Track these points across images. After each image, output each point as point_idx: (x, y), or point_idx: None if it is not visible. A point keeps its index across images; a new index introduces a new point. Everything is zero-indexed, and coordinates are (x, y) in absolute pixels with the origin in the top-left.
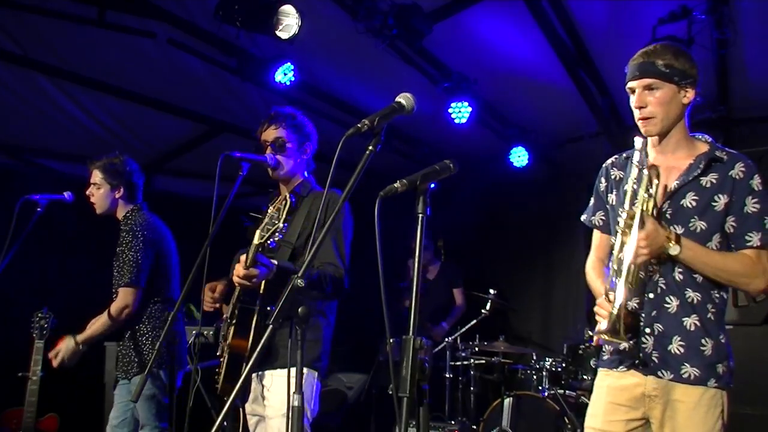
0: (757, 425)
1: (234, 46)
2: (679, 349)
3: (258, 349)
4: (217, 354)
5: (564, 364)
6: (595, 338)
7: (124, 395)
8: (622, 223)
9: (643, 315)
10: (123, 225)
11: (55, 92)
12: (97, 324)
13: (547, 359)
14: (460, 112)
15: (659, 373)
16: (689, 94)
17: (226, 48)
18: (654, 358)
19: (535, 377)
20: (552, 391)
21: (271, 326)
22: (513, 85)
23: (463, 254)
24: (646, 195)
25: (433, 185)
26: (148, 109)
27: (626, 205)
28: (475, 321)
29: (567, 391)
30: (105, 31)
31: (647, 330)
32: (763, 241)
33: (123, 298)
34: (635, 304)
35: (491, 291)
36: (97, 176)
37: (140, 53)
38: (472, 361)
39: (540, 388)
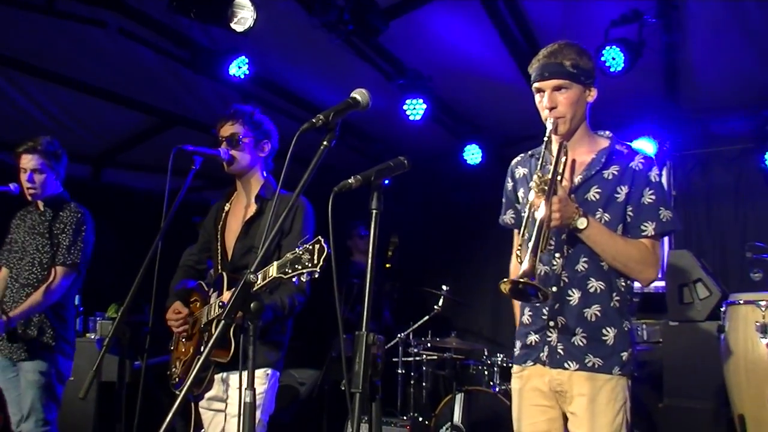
0: (701, 418)
1: (187, 38)
2: (582, 341)
3: (210, 343)
4: (170, 347)
5: None
6: (505, 286)
7: (19, 386)
8: (534, 187)
9: (546, 309)
10: (59, 208)
11: (1, 81)
12: (29, 303)
13: (498, 355)
14: (415, 108)
15: (565, 365)
16: (593, 93)
17: (179, 39)
18: (560, 351)
19: (486, 373)
20: (503, 387)
21: (223, 322)
22: (467, 83)
23: (416, 250)
24: (556, 170)
25: (386, 181)
26: (99, 100)
27: (538, 172)
28: (427, 317)
29: None
30: (54, 19)
31: (551, 323)
32: (657, 231)
33: (62, 276)
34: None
35: (443, 287)
36: (37, 161)
37: (91, 43)
38: (424, 356)
39: (491, 383)
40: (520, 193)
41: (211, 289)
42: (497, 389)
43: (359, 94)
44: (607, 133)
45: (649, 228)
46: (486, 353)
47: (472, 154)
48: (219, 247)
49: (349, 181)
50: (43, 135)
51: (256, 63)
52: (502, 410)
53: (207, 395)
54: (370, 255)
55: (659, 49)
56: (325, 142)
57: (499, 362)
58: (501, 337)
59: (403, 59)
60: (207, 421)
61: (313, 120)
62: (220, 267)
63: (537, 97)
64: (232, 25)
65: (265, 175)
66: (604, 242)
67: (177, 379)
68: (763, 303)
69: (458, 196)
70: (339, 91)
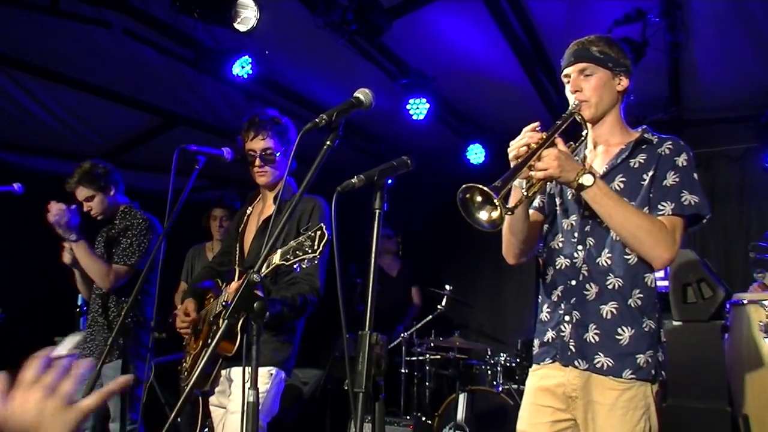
0: (705, 418)
1: (191, 38)
2: (594, 338)
3: (214, 342)
4: (183, 344)
5: (518, 360)
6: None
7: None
8: (528, 141)
9: (564, 304)
10: (123, 217)
11: (6, 81)
12: (95, 260)
13: (501, 354)
14: (418, 108)
15: (576, 363)
16: (623, 82)
17: (182, 39)
18: (571, 347)
19: (489, 372)
20: (506, 386)
21: (226, 321)
22: (471, 83)
23: (420, 250)
24: (557, 129)
25: (390, 181)
26: (103, 100)
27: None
28: (430, 317)
29: (521, 386)
30: (59, 20)
31: (566, 318)
32: (676, 212)
33: (116, 273)
34: (559, 293)
35: (447, 287)
36: (84, 191)
37: (95, 43)
38: (427, 356)
39: (494, 383)
40: (551, 185)
41: (225, 284)
42: (500, 389)
43: (362, 94)
44: (643, 128)
45: (667, 207)
46: (489, 353)
47: (476, 154)
48: (237, 247)
49: (353, 180)
50: (78, 164)
51: (259, 63)
52: (506, 410)
53: (216, 391)
54: (372, 255)
55: (663, 49)
56: (328, 142)
57: (503, 362)
58: (504, 337)
59: (407, 59)
60: (216, 420)
61: (317, 120)
62: (236, 265)
63: (567, 86)
64: (236, 25)
65: (286, 177)
66: (612, 205)
67: (186, 373)
68: (766, 303)
69: None
70: (342, 91)
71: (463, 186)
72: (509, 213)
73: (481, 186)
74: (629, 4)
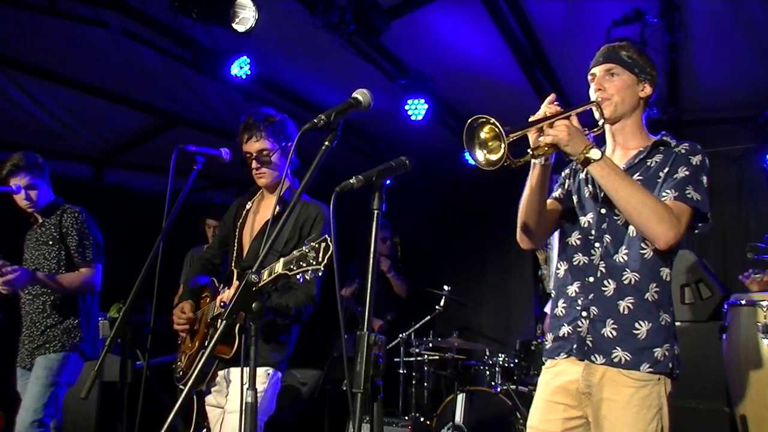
0: (703, 419)
1: (189, 38)
2: (611, 333)
3: (212, 343)
4: (179, 341)
5: (516, 360)
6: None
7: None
8: (545, 111)
9: (581, 300)
10: (58, 214)
11: (4, 81)
12: (61, 281)
13: (499, 355)
14: (417, 108)
15: (593, 357)
16: (647, 90)
17: (181, 40)
18: (588, 342)
19: (488, 373)
20: (504, 387)
21: (224, 321)
22: (469, 83)
23: (418, 251)
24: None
25: (388, 182)
26: (101, 100)
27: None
28: (429, 317)
29: (519, 387)
30: (56, 20)
31: (584, 313)
32: (678, 199)
33: (88, 275)
34: (576, 288)
35: (445, 287)
36: (28, 178)
37: (93, 43)
38: (425, 356)
39: (493, 383)
40: (569, 182)
41: (222, 285)
42: (499, 389)
43: (361, 95)
44: (663, 133)
45: (670, 194)
46: (487, 353)
47: None
48: (236, 245)
49: (351, 181)
50: (18, 152)
51: (258, 63)
52: (504, 410)
53: (213, 391)
54: (371, 255)
55: (661, 49)
56: (326, 143)
57: (501, 362)
58: (503, 337)
59: (405, 59)
60: (213, 420)
61: (315, 120)
62: (233, 264)
63: (591, 85)
64: (234, 26)
65: (291, 177)
66: (618, 180)
67: (181, 373)
68: (764, 303)
69: (460, 196)
70: (341, 91)
71: (477, 116)
72: (508, 163)
73: (494, 121)
74: (628, 4)
